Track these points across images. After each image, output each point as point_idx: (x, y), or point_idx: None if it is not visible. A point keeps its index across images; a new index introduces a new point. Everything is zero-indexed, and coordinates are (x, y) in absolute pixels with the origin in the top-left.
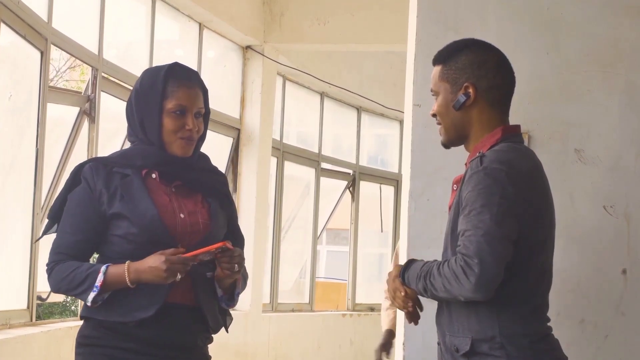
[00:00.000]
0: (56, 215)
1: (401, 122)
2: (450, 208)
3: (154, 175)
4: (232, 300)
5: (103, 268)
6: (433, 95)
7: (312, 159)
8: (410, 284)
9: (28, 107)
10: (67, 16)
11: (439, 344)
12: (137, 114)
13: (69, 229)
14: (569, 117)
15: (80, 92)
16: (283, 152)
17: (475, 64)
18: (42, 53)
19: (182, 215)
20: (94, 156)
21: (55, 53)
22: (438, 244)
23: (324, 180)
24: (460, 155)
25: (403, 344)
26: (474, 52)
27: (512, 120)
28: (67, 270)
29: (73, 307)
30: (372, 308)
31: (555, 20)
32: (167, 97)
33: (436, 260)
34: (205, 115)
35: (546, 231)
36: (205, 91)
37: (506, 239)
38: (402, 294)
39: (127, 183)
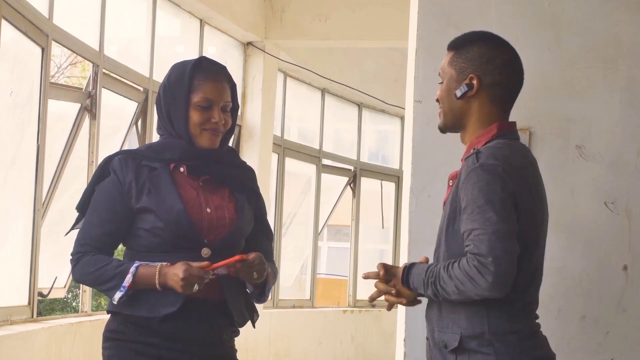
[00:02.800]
0: (84, 207)
1: (402, 119)
2: (445, 203)
3: (182, 169)
4: (262, 295)
5: (132, 269)
6: (440, 80)
7: (313, 155)
8: (417, 290)
9: (29, 103)
10: (68, 12)
11: (427, 338)
12: (165, 108)
13: (96, 221)
14: (570, 113)
15: (81, 89)
16: (284, 149)
17: (484, 58)
18: (43, 49)
19: (208, 210)
20: (97, 151)
21: (56, 49)
22: None
23: (324, 177)
24: (461, 152)
25: (404, 340)
26: (486, 46)
27: (514, 116)
28: (95, 264)
29: (74, 304)
30: (373, 304)
31: (556, 17)
32: (194, 91)
33: (439, 263)
34: (233, 109)
35: (539, 228)
36: (233, 85)
37: (513, 234)
38: (394, 295)
39: (155, 177)
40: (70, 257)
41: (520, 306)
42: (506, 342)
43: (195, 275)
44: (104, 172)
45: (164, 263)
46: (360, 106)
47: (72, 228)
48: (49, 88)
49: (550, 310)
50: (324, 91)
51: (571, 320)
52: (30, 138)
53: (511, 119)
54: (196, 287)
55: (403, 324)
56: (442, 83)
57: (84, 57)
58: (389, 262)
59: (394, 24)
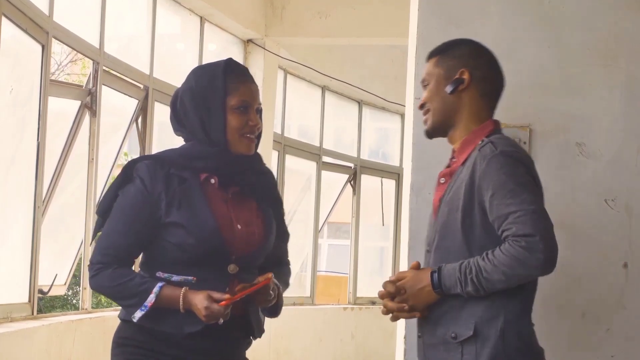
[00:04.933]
0: (106, 212)
1: (402, 116)
2: (439, 201)
3: (212, 181)
4: (275, 310)
5: (156, 289)
6: (424, 85)
7: (313, 153)
8: (451, 291)
9: (29, 101)
10: (68, 10)
11: (419, 336)
12: (196, 114)
13: (121, 229)
14: (570, 110)
15: (82, 86)
16: (284, 146)
17: (472, 54)
18: (43, 47)
19: (239, 227)
20: (97, 149)
21: (56, 47)
22: None
23: (325, 174)
24: None
25: (404, 337)
26: (471, 45)
27: (515, 113)
28: (117, 279)
29: (74, 301)
30: (374, 302)
31: (556, 14)
32: (229, 94)
33: (469, 259)
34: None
35: None
36: (257, 87)
37: (547, 213)
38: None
39: (186, 190)
40: (90, 265)
41: (532, 297)
42: (517, 332)
43: (216, 312)
44: (128, 176)
45: (189, 279)
46: (360, 103)
47: (95, 233)
48: (49, 85)
49: (551, 307)
50: (324, 88)
51: (571, 318)
52: (31, 135)
53: (512, 116)
54: (221, 320)
55: (403, 321)
56: (427, 86)
57: (84, 55)
58: (389, 259)
59: (394, 22)
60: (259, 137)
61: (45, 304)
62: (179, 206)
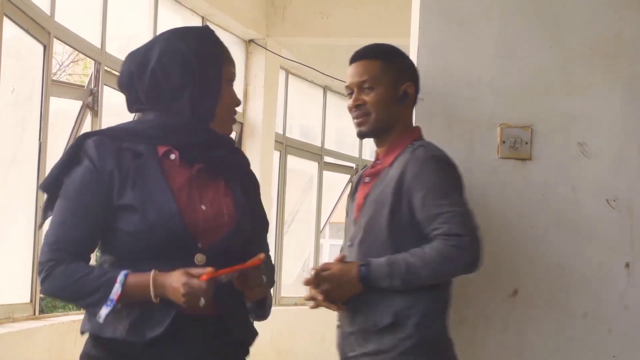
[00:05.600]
0: (53, 193)
1: None
2: (363, 199)
3: (172, 156)
4: (262, 309)
5: (121, 277)
6: (367, 86)
7: (315, 153)
8: (377, 284)
9: (31, 101)
10: (70, 10)
11: (338, 326)
12: (185, 82)
13: (70, 221)
14: (571, 110)
15: (83, 86)
16: (286, 146)
17: (413, 69)
18: (44, 47)
19: (203, 207)
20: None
21: (58, 47)
22: None
23: (326, 174)
24: (459, 150)
25: None
26: (408, 58)
27: (516, 113)
28: (74, 274)
29: None
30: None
31: (558, 14)
32: (224, 64)
33: (397, 254)
34: None
35: None
36: None
37: (473, 215)
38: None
39: (141, 166)
40: (39, 265)
41: (447, 291)
42: (432, 323)
43: (197, 289)
44: (76, 156)
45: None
46: None
47: (45, 217)
48: (51, 85)
49: (552, 307)
50: (325, 88)
51: (573, 318)
52: (32, 135)
53: (513, 115)
54: (202, 301)
55: None
56: (369, 88)
57: (85, 55)
58: None
59: (395, 22)
60: None
61: (47, 304)
62: (134, 185)
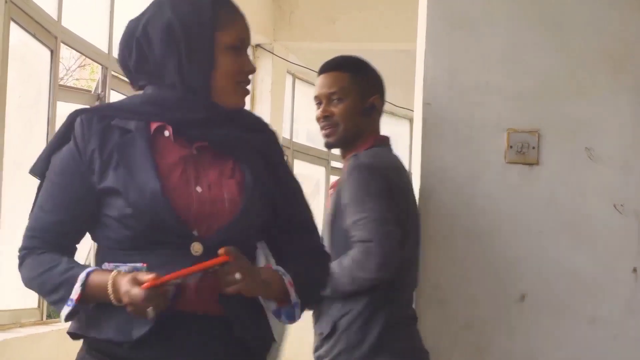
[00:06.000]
0: (42, 174)
1: (411, 121)
2: (325, 211)
3: (167, 133)
4: (291, 311)
5: (82, 275)
6: (336, 98)
7: (321, 158)
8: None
9: (37, 105)
10: (77, 15)
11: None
12: (169, 50)
13: (48, 206)
14: (579, 115)
15: (90, 91)
16: (293, 151)
17: (380, 81)
18: (52, 52)
19: (198, 189)
20: None
21: (65, 51)
22: (448, 242)
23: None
24: (467, 155)
25: None
26: (376, 72)
27: (523, 118)
28: (39, 266)
29: None
30: None
31: (565, 18)
32: (221, 29)
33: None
34: None
35: (409, 222)
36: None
37: (392, 220)
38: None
39: (126, 144)
40: (18, 254)
41: (388, 295)
42: (360, 330)
43: (137, 299)
44: (67, 133)
45: (138, 267)
46: None
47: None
48: (58, 90)
49: (559, 312)
50: None
51: (580, 323)
52: (39, 140)
53: (520, 120)
54: (150, 311)
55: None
56: (339, 99)
57: (92, 59)
58: None
59: (402, 27)
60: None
61: (54, 309)
62: (116, 165)
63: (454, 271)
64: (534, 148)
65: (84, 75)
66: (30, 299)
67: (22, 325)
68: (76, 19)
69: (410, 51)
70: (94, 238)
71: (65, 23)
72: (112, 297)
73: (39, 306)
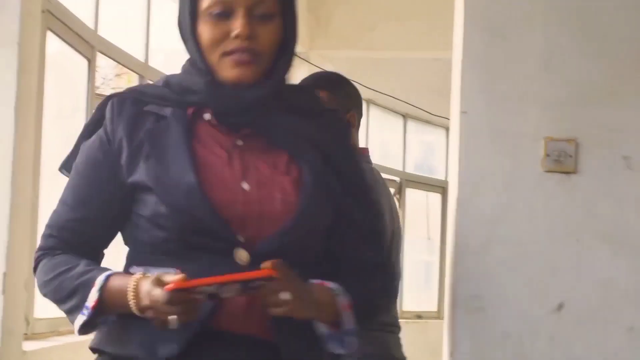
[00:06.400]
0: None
1: (447, 129)
2: None
3: (207, 116)
4: (341, 338)
5: (100, 279)
6: None
7: None
8: None
9: (75, 115)
10: (114, 24)
11: None
12: (179, 35)
13: (70, 200)
14: (617, 123)
15: None
16: None
17: (356, 97)
18: (88, 61)
19: (245, 186)
20: None
21: (101, 61)
22: (486, 250)
23: None
24: (503, 164)
25: (450, 353)
26: (353, 87)
27: (560, 126)
28: (54, 269)
29: None
30: (420, 315)
31: (603, 25)
32: None
33: None
34: (282, 17)
35: (389, 237)
36: None
37: None
38: None
39: (159, 130)
40: (35, 255)
41: None
42: None
43: (159, 302)
44: (99, 119)
45: (165, 271)
46: (405, 117)
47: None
48: (95, 99)
49: (598, 321)
50: (369, 102)
51: (618, 332)
52: None
53: (557, 129)
54: (174, 320)
55: (448, 336)
56: None
57: (129, 68)
58: (435, 273)
59: (438, 35)
60: (285, 56)
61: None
62: (147, 157)
63: (491, 280)
64: (571, 156)
65: (121, 84)
66: None
67: (59, 334)
68: (113, 28)
69: (446, 59)
70: (127, 241)
71: (102, 33)
72: (132, 303)
73: None
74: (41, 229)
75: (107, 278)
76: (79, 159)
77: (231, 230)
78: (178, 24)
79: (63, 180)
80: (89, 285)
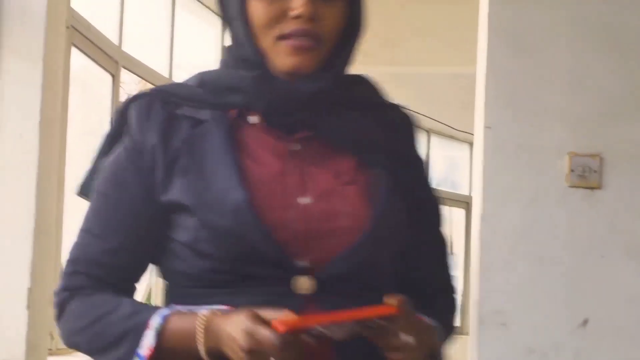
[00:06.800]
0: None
1: (471, 144)
2: None
3: (253, 119)
4: None
5: (156, 320)
6: None
7: None
8: None
9: (99, 130)
10: (138, 39)
11: None
12: (221, 6)
13: (96, 228)
14: None
15: None
16: None
17: None
18: (113, 76)
19: (305, 200)
20: None
21: (125, 76)
22: (510, 266)
23: None
24: (528, 179)
25: None
26: None
27: (585, 141)
28: (91, 312)
29: None
30: None
31: (627, 41)
32: None
33: None
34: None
35: None
36: None
37: None
38: None
39: (199, 140)
40: (54, 297)
41: None
42: None
43: (266, 344)
44: (119, 128)
45: (214, 308)
46: (428, 132)
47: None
48: None
49: (622, 337)
50: None
51: None
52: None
53: (582, 144)
54: None
55: (472, 352)
56: None
57: (153, 84)
58: (458, 287)
59: (462, 50)
60: (348, 41)
61: None
62: (185, 170)
63: (515, 295)
64: (595, 172)
65: None
66: None
67: None
68: (137, 43)
69: (470, 74)
70: (162, 270)
71: (126, 48)
72: (202, 348)
73: None
74: (66, 245)
75: (165, 319)
76: (103, 178)
77: (288, 256)
78: (220, 1)
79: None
80: (140, 329)
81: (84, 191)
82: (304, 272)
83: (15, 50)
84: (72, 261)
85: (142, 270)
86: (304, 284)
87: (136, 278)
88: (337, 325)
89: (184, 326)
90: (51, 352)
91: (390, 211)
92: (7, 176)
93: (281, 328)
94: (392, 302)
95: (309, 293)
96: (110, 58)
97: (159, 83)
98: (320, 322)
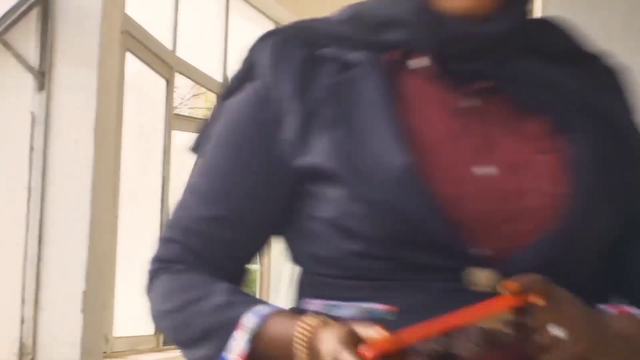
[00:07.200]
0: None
1: None
2: None
3: (418, 63)
4: None
5: (252, 320)
6: None
7: None
8: None
9: (154, 135)
10: (192, 44)
11: None
12: None
13: (203, 188)
14: None
15: (205, 119)
16: None
17: None
18: (167, 81)
19: (486, 171)
20: None
21: (179, 81)
22: None
23: None
24: None
25: None
26: None
27: None
28: (177, 295)
29: None
30: None
31: None
32: None
33: None
34: None
35: None
36: None
37: None
38: None
39: (347, 86)
40: (148, 268)
41: None
42: None
43: None
44: (248, 70)
45: (377, 311)
46: None
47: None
48: (173, 119)
49: None
50: None
51: None
52: (155, 169)
53: None
54: None
55: None
56: None
57: (207, 88)
58: None
59: None
60: None
61: None
62: (329, 129)
63: None
64: None
65: (199, 104)
66: (146, 325)
67: (138, 353)
68: (191, 48)
69: None
70: (292, 256)
71: (179, 53)
72: (301, 357)
73: (155, 333)
74: (121, 248)
75: (264, 320)
76: (221, 126)
77: (465, 240)
78: None
79: (141, 202)
80: (229, 327)
81: (197, 150)
82: (480, 262)
83: (71, 56)
84: (170, 226)
85: (254, 249)
86: (483, 278)
87: (245, 258)
88: (459, 335)
89: (282, 333)
90: (105, 355)
91: (598, 190)
92: (63, 181)
93: (369, 354)
94: (513, 288)
95: (489, 289)
96: (164, 63)
97: (213, 87)
98: (424, 335)
